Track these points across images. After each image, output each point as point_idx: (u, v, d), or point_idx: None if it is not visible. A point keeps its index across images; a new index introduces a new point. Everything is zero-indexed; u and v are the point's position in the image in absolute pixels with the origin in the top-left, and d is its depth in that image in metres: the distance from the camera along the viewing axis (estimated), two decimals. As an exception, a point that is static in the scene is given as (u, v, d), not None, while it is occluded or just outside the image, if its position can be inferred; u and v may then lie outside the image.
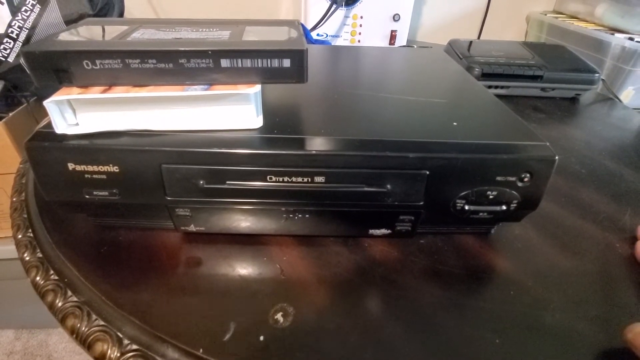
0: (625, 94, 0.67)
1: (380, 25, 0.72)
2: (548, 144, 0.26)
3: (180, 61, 0.24)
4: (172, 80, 0.24)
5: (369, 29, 0.72)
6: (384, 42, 0.74)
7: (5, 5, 0.59)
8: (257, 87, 0.25)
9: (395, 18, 0.71)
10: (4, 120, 0.61)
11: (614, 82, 0.66)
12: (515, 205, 0.26)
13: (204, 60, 0.24)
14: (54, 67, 0.23)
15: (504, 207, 0.27)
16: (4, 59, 0.60)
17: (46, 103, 0.23)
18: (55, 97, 0.23)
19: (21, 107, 0.65)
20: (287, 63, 0.25)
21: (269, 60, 0.24)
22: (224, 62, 0.24)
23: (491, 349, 0.23)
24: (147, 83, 0.25)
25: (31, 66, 0.23)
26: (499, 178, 0.25)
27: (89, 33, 0.27)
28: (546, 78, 0.57)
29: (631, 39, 0.65)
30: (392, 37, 0.73)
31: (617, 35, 0.68)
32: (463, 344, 0.23)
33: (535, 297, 0.26)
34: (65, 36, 0.26)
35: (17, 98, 0.65)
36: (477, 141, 0.26)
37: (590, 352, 0.23)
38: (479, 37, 0.93)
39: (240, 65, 0.24)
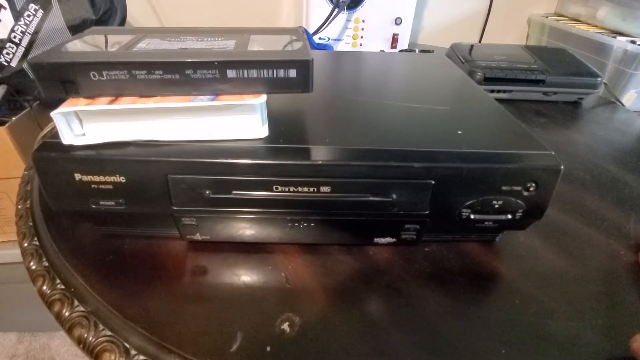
0: (627, 98, 0.67)
1: (382, 28, 0.72)
2: (553, 153, 0.26)
3: (186, 72, 0.24)
4: (179, 90, 0.25)
5: (370, 32, 0.73)
6: (385, 46, 0.74)
7: (8, 10, 0.59)
8: (263, 97, 0.25)
9: (397, 22, 0.71)
10: (7, 124, 0.62)
11: (616, 85, 0.66)
12: (520, 214, 0.27)
13: (210, 71, 0.24)
14: (61, 78, 0.23)
15: (510, 216, 0.27)
16: (6, 64, 0.60)
17: (53, 114, 0.23)
18: (62, 109, 0.23)
19: (24, 112, 0.65)
20: (292, 73, 0.25)
21: (274, 71, 0.24)
22: (230, 73, 0.24)
23: (497, 359, 0.23)
24: (153, 94, 0.25)
25: (38, 77, 0.23)
26: (504, 187, 0.25)
27: (95, 43, 0.27)
28: (548, 82, 0.57)
29: (633, 42, 0.65)
30: (394, 40, 0.73)
31: (619, 38, 0.68)
32: (468, 354, 0.23)
33: (540, 305, 0.27)
34: (71, 46, 0.26)
35: (19, 102, 0.65)
36: (483, 150, 0.26)
37: (596, 362, 0.23)
38: (480, 40, 0.93)
39: (246, 75, 0.24)
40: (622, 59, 0.65)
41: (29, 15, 0.59)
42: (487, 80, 0.56)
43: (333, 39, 0.73)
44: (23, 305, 0.89)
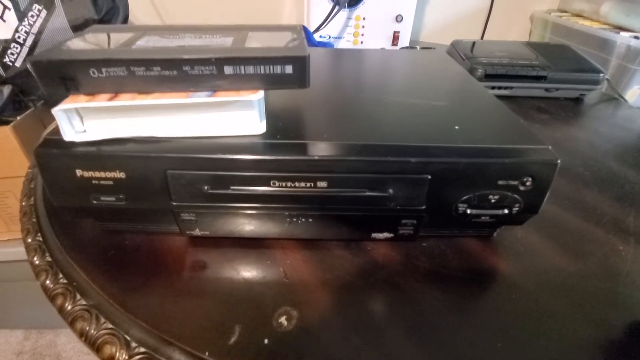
0: (630, 94, 0.66)
1: (383, 26, 0.72)
2: (550, 147, 0.26)
3: (184, 68, 0.24)
4: (177, 87, 0.25)
5: (371, 30, 0.73)
6: (386, 44, 0.74)
7: (12, 10, 0.60)
8: (260, 93, 0.25)
9: (398, 19, 0.71)
10: (12, 124, 0.62)
11: (619, 81, 0.66)
12: (517, 209, 0.27)
13: (207, 68, 0.24)
14: (61, 76, 0.24)
15: (506, 211, 0.27)
16: (11, 64, 0.61)
17: (54, 111, 0.24)
18: (63, 105, 0.24)
19: (29, 111, 0.66)
20: (289, 69, 0.25)
21: (271, 67, 0.25)
22: (227, 69, 0.24)
23: (493, 353, 0.23)
24: (152, 90, 0.25)
25: (39, 75, 0.24)
26: (500, 182, 0.26)
27: (95, 41, 0.28)
28: (550, 78, 0.57)
29: (637, 37, 0.65)
30: (395, 38, 0.73)
31: (623, 34, 0.67)
32: (465, 348, 0.23)
33: (538, 300, 0.27)
34: (71, 44, 0.26)
35: (24, 102, 0.66)
36: (479, 145, 0.26)
37: (593, 357, 0.23)
38: (482, 37, 0.92)
39: (243, 72, 0.25)
40: (625, 54, 0.65)
41: (32, 16, 0.60)
42: (488, 76, 0.56)
43: (334, 37, 0.73)
44: (30, 303, 0.91)
